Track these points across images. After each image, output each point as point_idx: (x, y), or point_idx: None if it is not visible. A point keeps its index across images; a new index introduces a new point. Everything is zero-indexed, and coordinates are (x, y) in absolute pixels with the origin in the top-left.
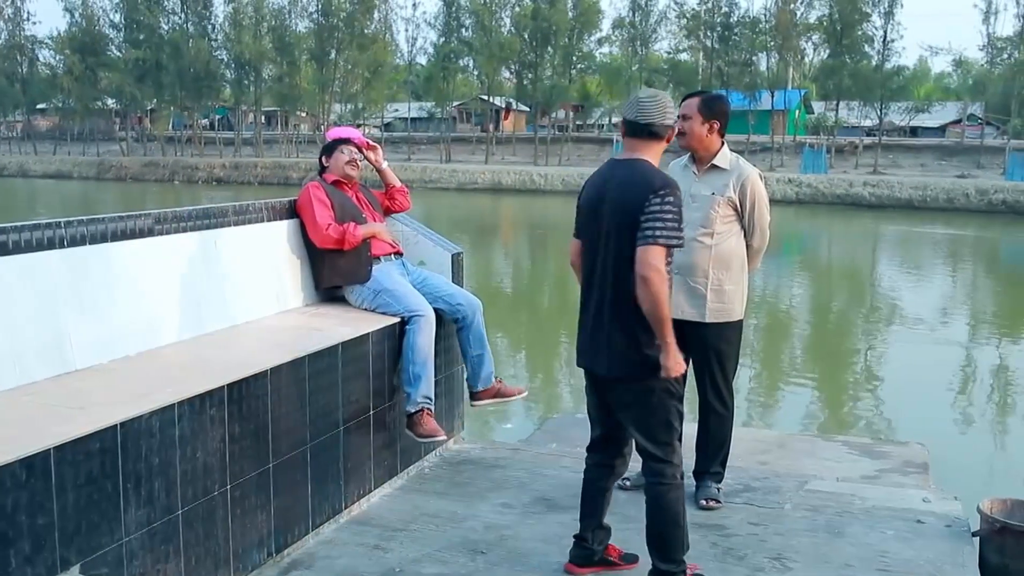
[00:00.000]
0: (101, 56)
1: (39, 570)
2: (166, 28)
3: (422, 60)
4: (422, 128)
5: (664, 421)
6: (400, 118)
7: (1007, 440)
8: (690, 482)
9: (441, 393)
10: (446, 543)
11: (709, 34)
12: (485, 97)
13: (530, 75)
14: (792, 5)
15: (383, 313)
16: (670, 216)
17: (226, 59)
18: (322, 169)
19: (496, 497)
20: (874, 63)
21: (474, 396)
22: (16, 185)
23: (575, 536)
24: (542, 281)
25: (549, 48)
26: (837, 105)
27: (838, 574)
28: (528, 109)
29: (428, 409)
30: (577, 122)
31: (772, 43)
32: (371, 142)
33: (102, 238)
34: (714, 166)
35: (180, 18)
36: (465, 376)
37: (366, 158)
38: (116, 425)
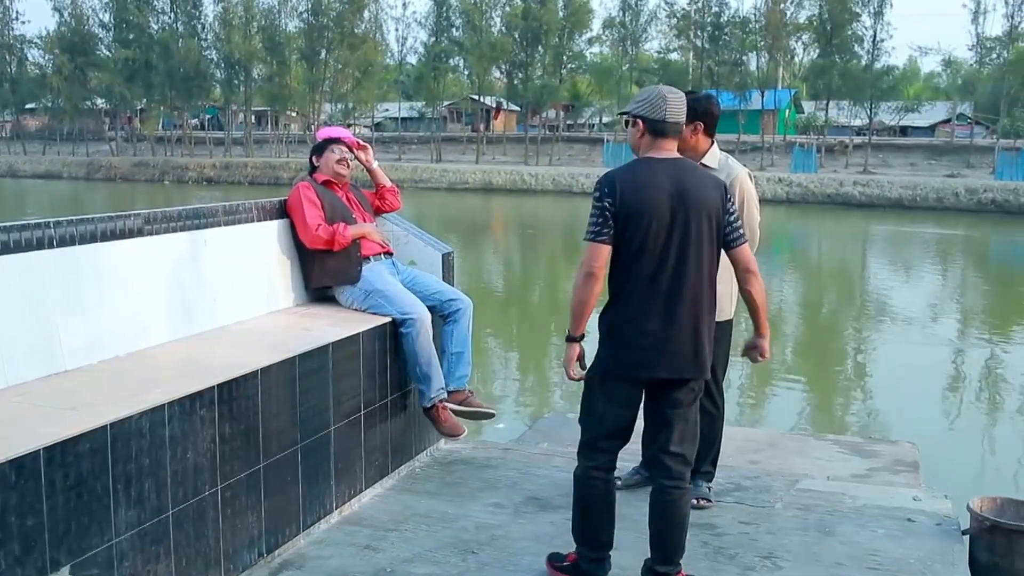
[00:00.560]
0: (90, 56)
1: (29, 571)
2: (155, 28)
3: (412, 60)
4: (412, 128)
5: (696, 421)
6: (390, 118)
7: (997, 439)
8: None
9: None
10: (437, 543)
11: (699, 34)
12: (476, 97)
13: (520, 75)
14: (782, 5)
15: (374, 314)
16: (738, 212)
17: (216, 59)
18: (312, 169)
19: (487, 497)
20: (864, 63)
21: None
22: (5, 185)
23: (606, 546)
24: (533, 281)
25: (540, 48)
26: (827, 105)
27: (829, 573)
28: (519, 109)
29: (443, 402)
30: (568, 122)
31: (762, 43)
32: (361, 142)
33: (92, 238)
34: (703, 165)
35: (169, 18)
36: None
37: (356, 158)
38: (106, 426)
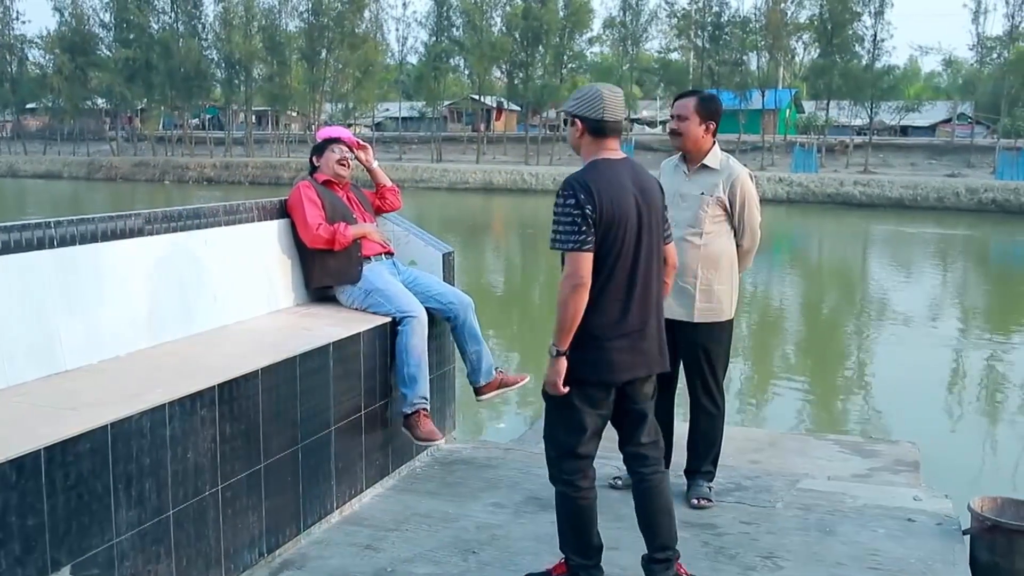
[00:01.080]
0: (91, 56)
1: (30, 571)
2: (156, 27)
3: (413, 60)
4: (413, 128)
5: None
6: (391, 118)
7: (997, 439)
8: (681, 481)
9: (433, 392)
10: (438, 543)
11: (700, 33)
12: (476, 97)
13: (521, 75)
14: (783, 5)
15: (374, 313)
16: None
17: (216, 59)
18: (313, 169)
19: (488, 497)
20: (864, 63)
21: (478, 391)
22: (6, 185)
23: (599, 551)
24: (533, 280)
25: (540, 48)
26: (827, 104)
27: (829, 573)
28: (519, 109)
29: (424, 410)
30: None
31: (763, 42)
32: (361, 142)
33: (92, 238)
34: (704, 166)
35: (170, 17)
36: (466, 373)
37: (356, 158)
38: (106, 425)
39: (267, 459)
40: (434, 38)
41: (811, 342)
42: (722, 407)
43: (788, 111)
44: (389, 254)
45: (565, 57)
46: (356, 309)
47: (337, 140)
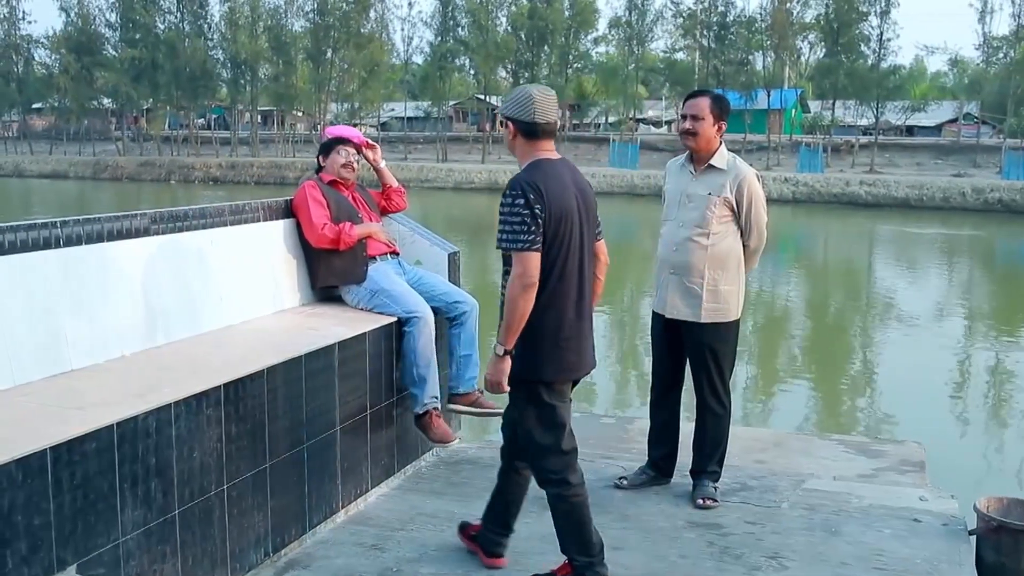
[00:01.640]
0: (97, 56)
1: (36, 570)
2: (162, 27)
3: (418, 59)
4: (418, 127)
5: None
6: (396, 117)
7: (1003, 439)
8: (687, 481)
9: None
10: (443, 543)
11: (705, 33)
12: (481, 96)
13: (527, 74)
14: (788, 4)
15: (380, 313)
16: None
17: (222, 58)
18: (319, 168)
19: None
20: (870, 62)
21: (451, 399)
22: (12, 185)
23: (597, 565)
24: None
25: (546, 47)
26: (833, 104)
27: (835, 573)
28: None
29: (436, 410)
30: (573, 121)
31: (768, 42)
32: (370, 141)
33: (98, 238)
34: (711, 166)
35: (176, 17)
36: (449, 374)
37: (364, 157)
38: (112, 425)
39: (273, 459)
40: (439, 38)
41: (817, 342)
42: (728, 407)
43: (794, 111)
44: (395, 254)
45: (570, 57)
46: (362, 309)
47: (345, 142)
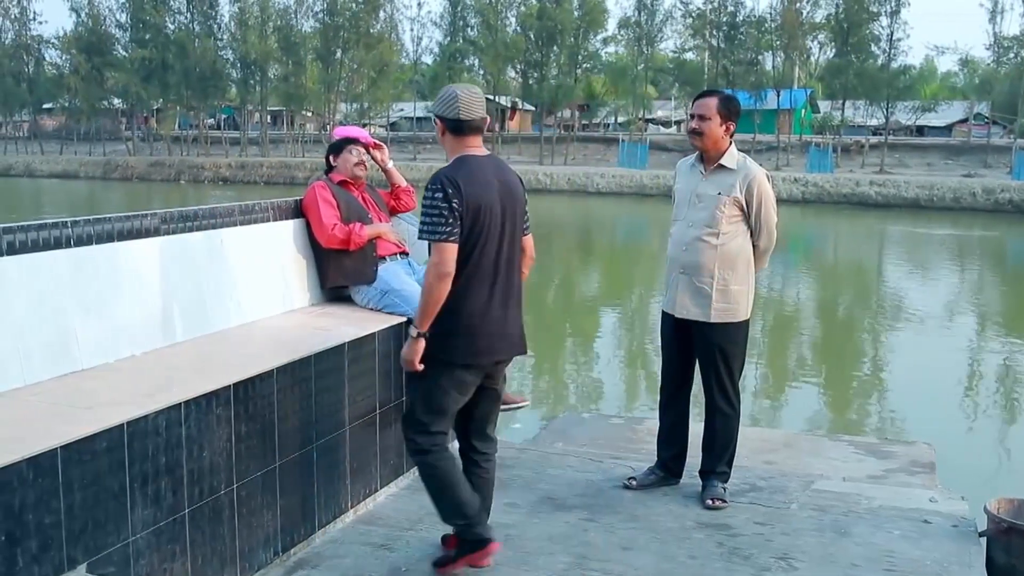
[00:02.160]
0: (107, 56)
1: (46, 569)
2: (172, 28)
3: (428, 59)
4: (428, 127)
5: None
6: (406, 117)
7: (1014, 440)
8: (696, 481)
9: None
10: None
11: (715, 33)
12: (491, 96)
13: (536, 74)
14: (798, 4)
15: (390, 313)
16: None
17: (232, 59)
18: (329, 168)
19: (502, 496)
20: (880, 62)
21: None
22: (22, 185)
23: (475, 526)
24: (547, 280)
25: (555, 47)
26: (843, 104)
27: (844, 574)
28: (534, 108)
29: None
30: (583, 121)
31: (778, 42)
32: (377, 141)
33: (108, 237)
34: (721, 166)
35: (186, 18)
36: None
37: (372, 157)
38: (122, 424)
39: (282, 458)
40: (449, 38)
41: (826, 343)
42: (737, 408)
43: (803, 111)
44: (404, 254)
45: (580, 57)
46: (371, 309)
47: (355, 141)
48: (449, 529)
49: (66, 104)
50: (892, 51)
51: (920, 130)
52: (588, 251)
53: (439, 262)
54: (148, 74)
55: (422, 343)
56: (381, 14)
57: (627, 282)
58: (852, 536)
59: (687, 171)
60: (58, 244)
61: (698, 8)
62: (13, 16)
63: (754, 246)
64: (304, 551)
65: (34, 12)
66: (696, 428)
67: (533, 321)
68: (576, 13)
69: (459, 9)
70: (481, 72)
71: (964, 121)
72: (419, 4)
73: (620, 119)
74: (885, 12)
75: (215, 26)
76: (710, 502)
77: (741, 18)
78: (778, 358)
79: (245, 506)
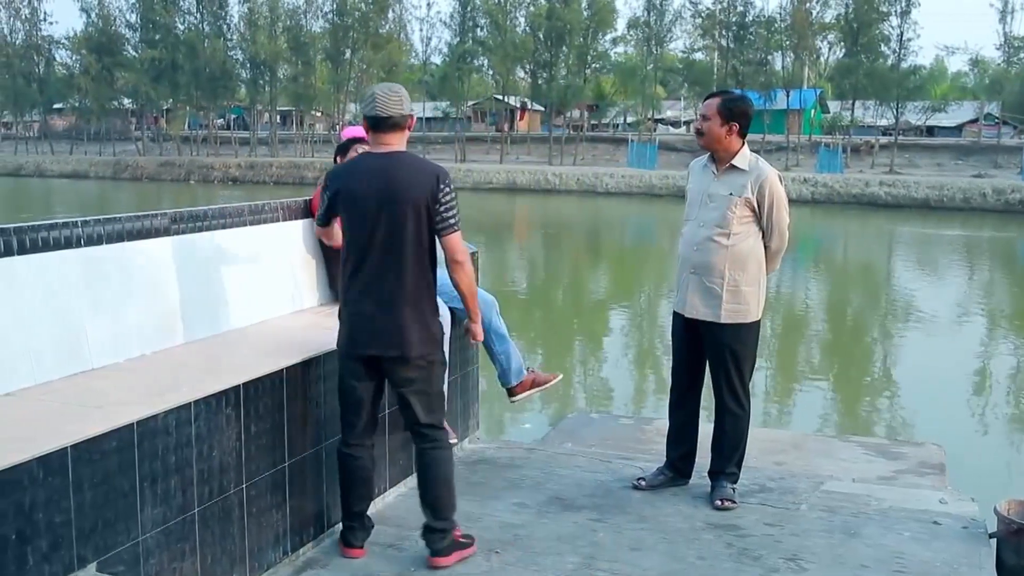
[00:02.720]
0: (117, 56)
1: (56, 568)
2: (182, 28)
3: (437, 60)
4: (437, 128)
5: (440, 392)
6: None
7: None
8: (705, 482)
9: (456, 393)
10: None
11: (724, 33)
12: (500, 97)
13: (545, 75)
14: (808, 4)
15: None
16: (456, 202)
17: (241, 59)
18: None
19: (511, 496)
20: (890, 62)
21: (511, 392)
22: (33, 185)
23: (354, 516)
24: (556, 280)
25: (564, 48)
26: (853, 104)
27: (854, 575)
28: (543, 109)
29: (523, 379)
30: (592, 122)
31: (787, 42)
32: None
33: (118, 237)
34: (733, 166)
35: (196, 18)
36: (497, 375)
37: None
38: (132, 424)
39: (291, 458)
40: (458, 38)
41: (836, 343)
42: (747, 408)
43: (813, 111)
44: None
45: (589, 57)
46: None
47: (363, 141)
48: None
49: (76, 104)
50: (902, 51)
51: (930, 130)
52: (597, 251)
53: (318, 237)
54: (158, 74)
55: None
56: (390, 14)
57: (636, 282)
58: (862, 537)
59: (700, 171)
60: (68, 244)
61: (707, 8)
62: (24, 16)
63: (766, 247)
64: (313, 551)
65: (45, 13)
66: (706, 429)
67: (542, 321)
68: (585, 13)
69: (468, 9)
70: (490, 72)
71: (974, 121)
72: (428, 4)
73: (629, 119)
74: (895, 12)
75: (225, 26)
76: (719, 503)
77: (750, 18)
78: (788, 359)
79: (254, 505)
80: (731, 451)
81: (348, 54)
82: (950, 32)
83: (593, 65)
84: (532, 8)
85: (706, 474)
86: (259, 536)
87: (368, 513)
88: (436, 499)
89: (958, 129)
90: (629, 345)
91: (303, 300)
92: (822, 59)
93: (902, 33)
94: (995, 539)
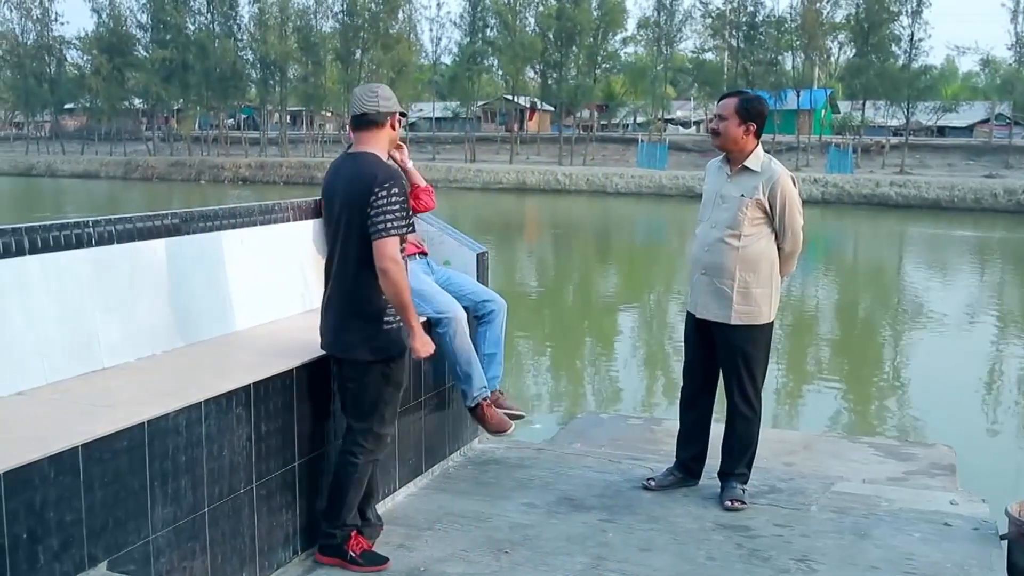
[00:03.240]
0: (128, 56)
1: (67, 567)
2: (192, 28)
3: (447, 60)
4: (447, 128)
5: (369, 402)
6: (425, 118)
7: None
8: (715, 482)
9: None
10: (471, 542)
11: (734, 33)
12: (510, 97)
13: (555, 75)
14: (818, 4)
15: None
16: (396, 207)
17: (252, 59)
18: None
19: (520, 497)
20: (901, 62)
21: (471, 410)
22: (44, 184)
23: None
24: (566, 280)
25: (574, 48)
26: (863, 105)
27: None
28: (553, 109)
29: (486, 400)
30: (602, 122)
31: (798, 42)
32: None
33: (129, 237)
34: (745, 167)
35: (206, 18)
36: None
37: (392, 158)
38: (143, 423)
39: (301, 457)
40: (468, 38)
41: (846, 344)
42: (758, 411)
43: (823, 111)
44: (423, 254)
45: (599, 57)
46: None
47: None
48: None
49: (87, 104)
50: (913, 51)
51: (941, 130)
52: (607, 252)
53: None
54: (168, 74)
55: None
56: (400, 14)
57: (646, 283)
58: (872, 538)
59: (715, 172)
60: (80, 244)
61: (718, 8)
62: (35, 17)
63: (779, 249)
64: None
65: (56, 13)
66: (716, 429)
67: (551, 321)
68: (595, 13)
69: (478, 9)
70: (500, 72)
71: (985, 121)
72: (438, 4)
73: (639, 119)
74: (906, 12)
75: (235, 26)
76: (729, 503)
77: (761, 18)
78: (798, 359)
79: (264, 505)
80: (741, 452)
81: (358, 54)
82: (961, 32)
83: (603, 65)
84: (542, 8)
85: (716, 475)
86: (269, 535)
87: (379, 512)
88: (328, 502)
89: (969, 129)
90: (639, 346)
91: (313, 300)
92: (832, 59)
93: (913, 33)
94: (1006, 541)
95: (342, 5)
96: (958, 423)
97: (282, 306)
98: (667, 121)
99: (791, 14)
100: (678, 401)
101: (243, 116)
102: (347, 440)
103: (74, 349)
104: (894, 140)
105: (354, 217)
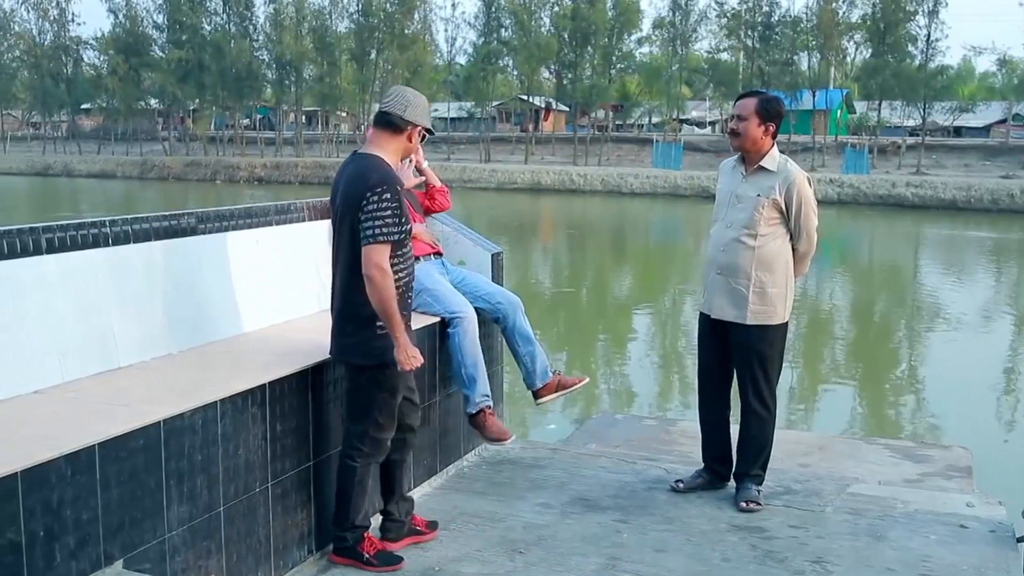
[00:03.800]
0: (144, 56)
1: (83, 565)
2: (208, 28)
3: (462, 60)
4: (462, 128)
5: (363, 406)
6: (440, 118)
7: None
8: (730, 484)
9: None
10: (485, 542)
11: (750, 33)
12: (525, 97)
13: (570, 75)
14: (834, 4)
15: (423, 313)
16: (388, 213)
17: (267, 59)
18: None
19: (535, 497)
20: (917, 62)
21: (536, 395)
22: (61, 184)
23: (382, 512)
24: (581, 280)
25: (589, 48)
26: (879, 105)
27: None
28: (568, 109)
29: (489, 408)
30: (617, 122)
31: (814, 42)
32: None
33: (145, 237)
34: (761, 167)
35: (222, 19)
36: (522, 376)
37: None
38: (159, 422)
39: (316, 457)
40: (483, 39)
41: (862, 345)
42: (773, 411)
43: (839, 111)
44: (438, 254)
45: (614, 57)
46: None
47: None
48: None
49: (104, 104)
50: (929, 51)
51: (957, 131)
52: (622, 252)
53: None
54: (184, 75)
55: None
56: (415, 15)
57: (661, 283)
58: (888, 540)
59: (729, 172)
60: (96, 243)
61: (733, 8)
62: (52, 17)
63: (794, 250)
64: None
65: (72, 13)
66: (732, 430)
67: (567, 321)
68: (610, 13)
69: (493, 10)
70: (515, 72)
71: (1002, 122)
72: (453, 5)
73: (654, 120)
74: (923, 12)
75: (251, 27)
76: (744, 504)
77: (776, 18)
78: (813, 360)
79: (280, 504)
80: (756, 453)
81: (373, 54)
82: (977, 32)
83: (618, 65)
84: (557, 8)
85: (731, 476)
86: (284, 534)
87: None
88: (335, 506)
89: (986, 130)
90: (654, 346)
91: (328, 300)
92: (848, 59)
93: (929, 33)
94: (1023, 543)
95: (357, 5)
96: (974, 425)
97: (297, 306)
98: (682, 121)
99: (807, 14)
100: (693, 403)
101: (259, 116)
102: (344, 443)
103: (90, 348)
104: (910, 140)
105: (348, 220)
